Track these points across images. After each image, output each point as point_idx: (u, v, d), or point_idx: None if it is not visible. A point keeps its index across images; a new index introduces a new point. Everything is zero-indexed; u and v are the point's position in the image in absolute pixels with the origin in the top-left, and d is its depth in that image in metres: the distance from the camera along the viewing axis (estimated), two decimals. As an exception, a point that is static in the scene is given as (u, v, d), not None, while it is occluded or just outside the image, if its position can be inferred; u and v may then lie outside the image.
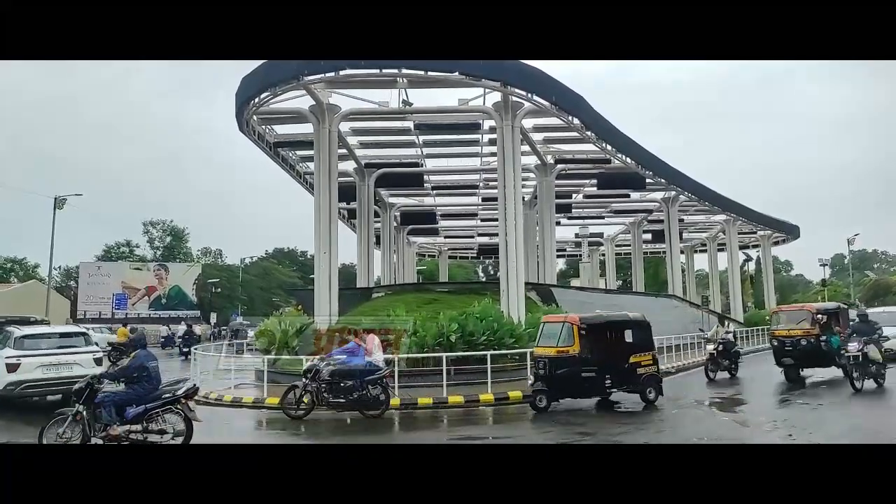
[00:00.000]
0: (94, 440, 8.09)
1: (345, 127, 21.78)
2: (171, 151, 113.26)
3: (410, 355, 14.50)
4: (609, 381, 11.99)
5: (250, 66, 19.86)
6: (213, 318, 55.11)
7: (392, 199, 32.53)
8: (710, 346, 17.10)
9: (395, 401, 12.25)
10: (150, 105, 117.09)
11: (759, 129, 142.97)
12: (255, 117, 20.76)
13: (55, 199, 36.51)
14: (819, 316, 15.42)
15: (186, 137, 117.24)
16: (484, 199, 32.66)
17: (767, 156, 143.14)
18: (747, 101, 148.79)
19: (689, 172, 29.55)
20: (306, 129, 20.83)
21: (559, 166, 25.81)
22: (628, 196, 33.00)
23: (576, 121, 19.79)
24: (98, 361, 13.04)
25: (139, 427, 8.24)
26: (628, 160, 24.03)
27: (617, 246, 47.89)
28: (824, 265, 56.21)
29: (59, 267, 66.04)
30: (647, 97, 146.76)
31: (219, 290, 62.54)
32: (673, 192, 31.17)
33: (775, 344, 15.94)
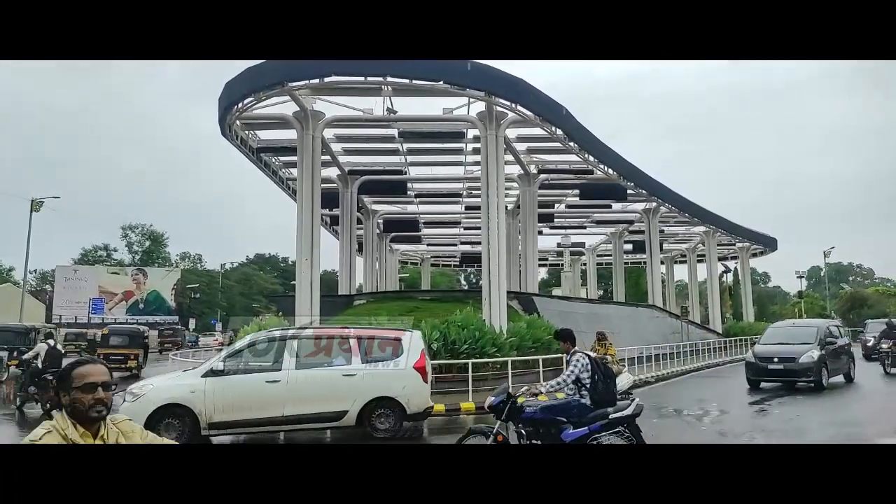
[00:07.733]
0: None
1: (329, 133, 21.72)
2: (150, 156, 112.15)
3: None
4: None
5: (236, 69, 19.75)
6: (193, 323, 54.49)
7: (375, 207, 32.46)
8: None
9: None
10: (134, 109, 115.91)
11: (758, 141, 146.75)
12: (238, 122, 20.62)
13: (31, 201, 35.90)
14: None
15: (167, 142, 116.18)
16: (467, 208, 32.72)
17: (763, 167, 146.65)
18: (754, 111, 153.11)
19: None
20: (290, 134, 20.72)
21: (542, 176, 25.98)
22: (610, 207, 33.32)
23: (559, 131, 19.96)
24: None
25: None
26: (610, 171, 24.28)
27: (598, 256, 48.28)
28: (801, 277, 57.11)
29: (35, 270, 64.91)
30: (657, 107, 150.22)
31: (198, 295, 61.86)
32: (654, 204, 31.51)
33: None
